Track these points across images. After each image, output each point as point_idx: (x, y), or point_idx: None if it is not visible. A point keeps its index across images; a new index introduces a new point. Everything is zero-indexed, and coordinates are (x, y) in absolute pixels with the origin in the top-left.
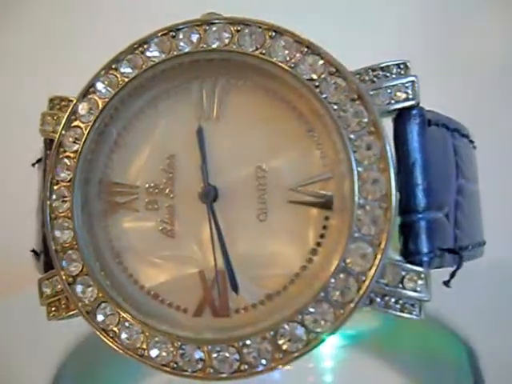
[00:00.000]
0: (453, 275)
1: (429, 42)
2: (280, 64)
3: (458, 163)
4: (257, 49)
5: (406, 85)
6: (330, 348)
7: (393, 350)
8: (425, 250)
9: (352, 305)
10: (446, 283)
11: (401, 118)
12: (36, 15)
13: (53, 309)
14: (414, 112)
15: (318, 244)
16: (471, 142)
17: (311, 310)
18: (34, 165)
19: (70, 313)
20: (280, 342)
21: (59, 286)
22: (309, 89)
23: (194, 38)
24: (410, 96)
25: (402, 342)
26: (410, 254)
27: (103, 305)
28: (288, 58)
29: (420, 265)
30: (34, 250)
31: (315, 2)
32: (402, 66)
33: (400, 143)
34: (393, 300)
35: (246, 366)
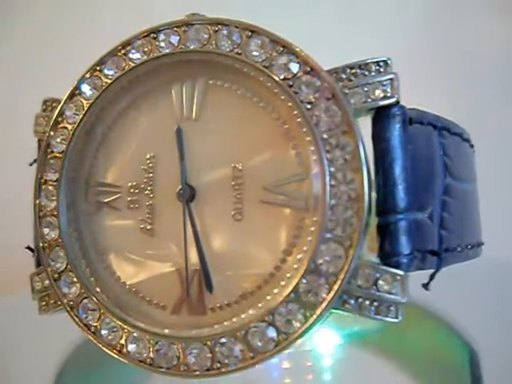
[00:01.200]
0: (432, 278)
1: (427, 41)
2: (254, 64)
3: (445, 162)
4: (233, 49)
5: (385, 83)
6: (329, 346)
7: (393, 348)
8: (402, 251)
9: (323, 306)
10: (425, 286)
11: (379, 116)
12: (33, 15)
13: (43, 303)
14: (394, 110)
15: (292, 244)
16: (466, 140)
17: (282, 310)
18: (31, 164)
19: (58, 308)
20: (251, 341)
21: (47, 282)
22: (282, 88)
23: (174, 39)
24: (389, 94)
25: (402, 341)
26: (386, 255)
27: (85, 301)
28: (263, 58)
29: (397, 267)
30: (28, 247)
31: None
32: (381, 64)
33: (378, 142)
34: (367, 302)
35: (219, 365)
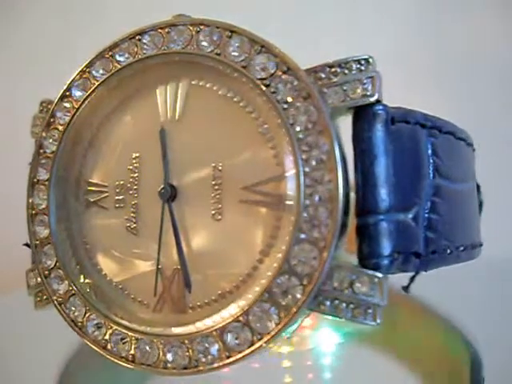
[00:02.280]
0: (412, 280)
1: (425, 41)
2: (233, 64)
3: (434, 162)
4: (213, 49)
5: (365, 81)
6: (329, 345)
7: (393, 347)
8: (381, 253)
9: (297, 307)
10: (405, 288)
11: (359, 115)
12: (34, 16)
13: (38, 299)
14: (375, 109)
15: (269, 245)
16: (461, 139)
17: (256, 310)
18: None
19: (51, 303)
20: (227, 341)
21: (39, 278)
22: (259, 88)
23: (158, 40)
24: (369, 93)
25: (402, 340)
26: (364, 257)
27: (72, 298)
28: (242, 58)
29: (375, 268)
30: (26, 243)
31: None
32: (362, 62)
33: (358, 142)
34: (343, 304)
35: (195, 363)
